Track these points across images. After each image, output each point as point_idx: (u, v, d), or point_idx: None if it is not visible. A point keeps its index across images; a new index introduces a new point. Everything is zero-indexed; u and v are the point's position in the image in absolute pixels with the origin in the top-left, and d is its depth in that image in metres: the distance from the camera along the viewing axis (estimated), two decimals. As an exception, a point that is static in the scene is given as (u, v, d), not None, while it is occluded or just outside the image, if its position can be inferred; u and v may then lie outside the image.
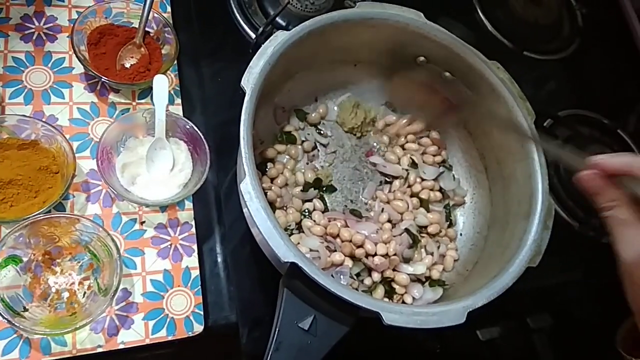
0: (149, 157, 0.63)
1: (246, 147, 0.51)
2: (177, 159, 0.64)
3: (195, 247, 0.63)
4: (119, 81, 0.65)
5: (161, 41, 0.70)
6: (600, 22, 1.06)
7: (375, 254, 0.61)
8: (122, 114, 0.66)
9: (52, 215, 0.55)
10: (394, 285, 0.62)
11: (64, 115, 0.64)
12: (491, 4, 0.98)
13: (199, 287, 0.61)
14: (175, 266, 0.61)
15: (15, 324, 0.50)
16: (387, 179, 0.70)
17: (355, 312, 0.48)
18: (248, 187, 0.49)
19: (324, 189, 0.67)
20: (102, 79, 0.64)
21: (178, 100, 0.70)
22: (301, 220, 0.63)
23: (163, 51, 0.70)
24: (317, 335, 0.47)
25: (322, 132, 0.71)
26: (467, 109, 0.70)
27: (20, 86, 0.64)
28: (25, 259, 0.55)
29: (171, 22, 0.72)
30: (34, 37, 0.67)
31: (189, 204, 0.65)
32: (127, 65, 0.67)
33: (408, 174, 0.69)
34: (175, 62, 0.70)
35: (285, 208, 0.63)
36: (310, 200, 0.65)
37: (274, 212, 0.61)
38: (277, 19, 0.77)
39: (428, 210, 0.68)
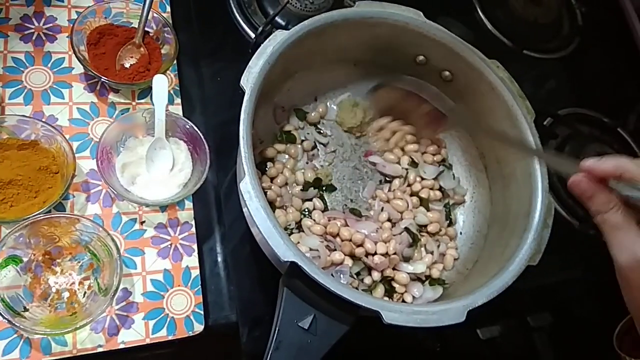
0: (148, 157, 0.63)
1: (245, 147, 0.51)
2: (176, 158, 0.64)
3: (195, 246, 0.63)
4: (118, 81, 0.65)
5: (161, 41, 0.70)
6: (600, 20, 1.06)
7: (375, 253, 0.61)
8: (122, 114, 0.66)
9: (52, 215, 0.55)
10: (394, 284, 0.62)
11: (64, 116, 0.65)
12: (491, 3, 0.98)
13: (199, 286, 0.61)
14: (175, 266, 0.61)
15: (16, 324, 0.50)
16: (387, 178, 0.70)
17: (355, 311, 0.48)
18: (248, 187, 0.49)
19: (324, 188, 0.67)
20: (102, 79, 0.64)
21: (178, 100, 0.70)
22: (301, 219, 0.63)
23: (163, 51, 0.70)
24: (317, 334, 0.47)
25: (321, 131, 0.71)
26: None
27: (20, 86, 0.64)
28: (25, 259, 0.55)
29: (171, 22, 0.72)
30: (34, 38, 0.67)
31: (189, 204, 0.65)
32: (127, 65, 0.67)
33: (408, 173, 0.69)
34: (175, 62, 0.70)
35: (285, 207, 0.63)
36: (310, 200, 0.65)
37: (274, 212, 0.61)
38: (276, 18, 0.77)
39: (428, 209, 0.68)
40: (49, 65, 0.67)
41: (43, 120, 0.61)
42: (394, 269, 0.62)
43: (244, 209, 0.57)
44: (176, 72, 0.71)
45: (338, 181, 0.69)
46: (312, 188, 0.65)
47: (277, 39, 0.58)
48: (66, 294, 0.56)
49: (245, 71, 0.55)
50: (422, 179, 0.69)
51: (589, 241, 0.79)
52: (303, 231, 0.62)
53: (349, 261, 0.60)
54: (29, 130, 0.59)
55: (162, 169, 0.63)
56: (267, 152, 0.65)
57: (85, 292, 0.56)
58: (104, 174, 0.59)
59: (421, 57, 0.69)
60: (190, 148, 0.65)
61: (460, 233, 0.70)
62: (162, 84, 0.62)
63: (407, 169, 0.69)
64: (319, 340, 0.47)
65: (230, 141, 0.53)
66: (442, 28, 0.65)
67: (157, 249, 0.62)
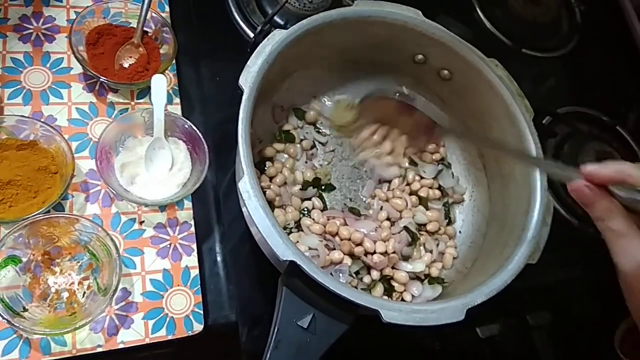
0: (147, 157, 0.63)
1: (244, 146, 0.51)
2: (176, 158, 0.64)
3: (194, 246, 0.63)
4: (117, 81, 0.65)
5: (159, 41, 0.70)
6: (599, 19, 1.06)
7: (374, 252, 0.61)
8: (121, 114, 0.66)
9: (52, 216, 0.55)
10: (393, 283, 0.62)
11: (63, 116, 0.65)
12: (490, 2, 0.98)
13: (199, 286, 0.61)
14: (174, 265, 0.61)
15: (15, 324, 0.50)
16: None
17: (355, 310, 0.48)
18: (246, 186, 0.49)
19: (323, 187, 0.67)
20: (101, 79, 0.64)
21: (177, 100, 0.70)
22: (300, 219, 0.63)
23: (161, 51, 0.70)
24: (316, 333, 0.47)
25: (320, 130, 0.71)
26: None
27: (18, 87, 0.64)
28: (24, 259, 0.55)
29: (169, 21, 0.72)
30: (32, 38, 0.67)
31: (188, 204, 0.65)
32: (126, 65, 0.67)
33: (407, 172, 0.69)
34: (174, 61, 0.70)
35: (284, 207, 0.63)
36: (309, 199, 0.65)
37: (273, 211, 0.61)
38: (275, 17, 0.77)
39: (427, 208, 0.68)
40: (48, 65, 0.67)
41: (42, 120, 0.61)
42: (393, 267, 0.62)
43: (243, 209, 0.57)
44: (175, 72, 0.71)
45: (337, 180, 0.69)
46: (311, 187, 0.65)
47: (276, 38, 0.58)
48: (65, 294, 0.56)
49: (243, 70, 0.55)
50: (421, 177, 0.69)
51: (588, 240, 0.79)
52: (302, 230, 0.62)
53: (348, 260, 0.60)
54: (27, 131, 0.59)
55: (161, 168, 0.63)
56: (266, 151, 0.65)
57: (84, 292, 0.56)
58: (103, 174, 0.59)
59: (420, 56, 0.69)
60: (189, 148, 0.65)
61: (460, 232, 0.70)
62: (160, 84, 0.62)
63: (406, 168, 0.69)
64: (318, 339, 0.47)
65: (229, 141, 0.53)
66: (441, 27, 0.65)
67: (157, 248, 0.62)
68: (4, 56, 0.65)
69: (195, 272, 0.62)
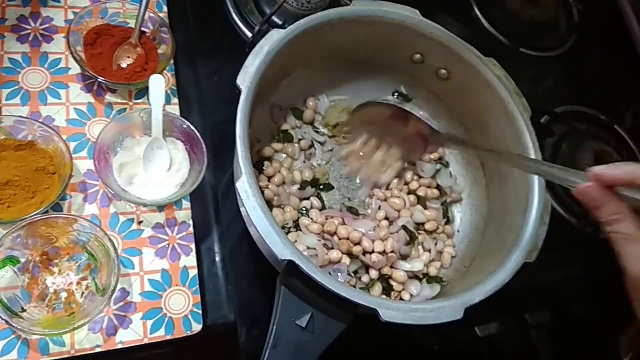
0: (146, 157, 0.63)
1: (242, 146, 0.51)
2: (174, 158, 0.64)
3: (193, 246, 0.63)
4: (115, 81, 0.65)
5: (157, 41, 0.70)
6: (596, 18, 1.06)
7: (373, 251, 0.61)
8: (119, 114, 0.66)
9: (50, 216, 0.55)
10: (392, 282, 0.62)
11: (61, 116, 0.65)
12: (488, 1, 0.98)
13: (197, 286, 0.61)
14: (173, 265, 0.61)
15: (13, 324, 0.50)
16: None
17: (353, 309, 0.48)
18: (244, 186, 0.49)
19: (321, 187, 0.67)
20: (99, 79, 0.64)
21: (175, 100, 0.70)
22: (298, 218, 0.63)
23: (159, 51, 0.70)
24: (315, 332, 0.47)
25: (318, 130, 0.71)
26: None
27: (16, 87, 0.64)
28: (22, 260, 0.55)
29: (167, 21, 0.72)
30: (30, 38, 0.67)
31: (186, 204, 0.65)
32: (124, 65, 0.67)
33: (404, 171, 0.69)
34: (172, 61, 0.70)
35: (282, 206, 0.63)
36: (307, 199, 0.65)
37: (272, 211, 0.61)
38: (273, 17, 0.77)
39: (425, 207, 0.68)
40: (46, 65, 0.67)
41: (40, 120, 0.61)
42: (391, 267, 0.62)
43: (241, 208, 0.57)
44: (173, 72, 0.71)
45: (335, 180, 0.69)
46: (310, 187, 0.65)
47: (273, 37, 0.58)
48: (64, 294, 0.56)
49: (241, 70, 0.55)
50: (419, 177, 0.69)
51: (587, 239, 0.80)
52: (300, 230, 0.62)
53: (346, 259, 0.60)
54: (25, 131, 0.59)
55: (159, 168, 0.63)
56: (264, 151, 0.65)
57: (83, 292, 0.56)
58: (101, 174, 0.59)
59: (418, 56, 0.69)
60: (187, 148, 0.65)
61: (458, 231, 0.70)
62: (158, 84, 0.62)
63: (404, 168, 0.69)
64: (316, 338, 0.47)
65: (227, 141, 0.53)
66: (439, 26, 0.65)
67: (155, 248, 0.62)
68: (2, 56, 0.65)
69: (193, 272, 0.62)
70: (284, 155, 0.67)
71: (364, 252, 0.61)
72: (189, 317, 0.59)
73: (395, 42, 0.68)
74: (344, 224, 0.62)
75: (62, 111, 0.65)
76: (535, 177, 0.59)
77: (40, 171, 0.58)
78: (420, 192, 0.68)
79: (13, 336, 0.54)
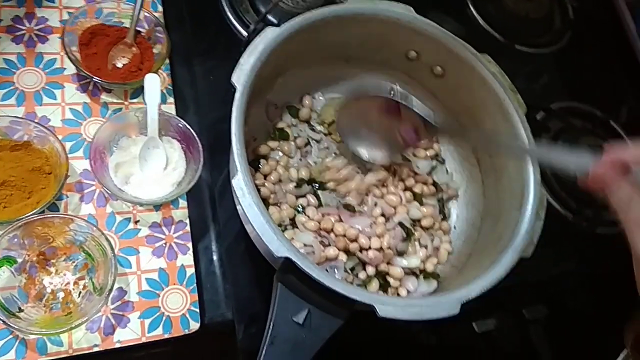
0: (142, 156, 0.63)
1: (238, 143, 0.51)
2: (170, 157, 0.64)
3: (190, 245, 0.63)
4: (110, 81, 0.65)
5: (153, 40, 0.70)
6: (591, 14, 1.07)
7: (370, 248, 0.61)
8: (115, 114, 0.66)
9: (46, 216, 0.55)
10: (389, 279, 0.62)
11: (57, 116, 0.65)
12: (482, -2, 0.98)
13: (195, 285, 0.61)
14: (170, 264, 0.61)
15: (11, 324, 0.50)
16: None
17: (350, 306, 0.48)
18: (240, 183, 0.49)
19: (318, 184, 0.67)
20: (94, 79, 0.64)
21: (171, 99, 0.70)
22: (295, 216, 0.63)
23: (155, 50, 0.70)
24: (312, 328, 0.47)
25: (314, 128, 0.71)
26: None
27: (12, 88, 0.64)
28: (19, 260, 0.55)
29: (163, 21, 0.72)
30: (25, 39, 0.67)
31: (183, 203, 0.65)
32: (119, 65, 0.67)
33: (401, 167, 0.69)
34: (168, 61, 0.70)
35: (279, 204, 0.63)
36: (303, 196, 0.65)
37: (268, 209, 0.61)
38: (268, 16, 0.77)
39: (421, 204, 0.68)
40: (41, 66, 0.67)
41: (35, 121, 0.61)
42: (388, 263, 0.62)
43: (238, 207, 0.57)
44: (169, 72, 0.71)
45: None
46: (306, 184, 0.65)
47: (268, 36, 0.58)
48: (61, 294, 0.56)
49: (236, 68, 0.55)
50: (415, 173, 0.69)
51: (583, 234, 0.80)
52: (297, 227, 0.62)
53: (343, 256, 0.60)
54: (21, 132, 0.59)
55: (155, 168, 0.63)
56: (260, 149, 0.65)
57: (80, 292, 0.56)
58: (98, 174, 0.59)
59: (413, 53, 0.69)
60: (183, 147, 0.65)
61: (454, 227, 0.70)
62: (154, 83, 0.63)
63: (400, 164, 0.69)
64: (313, 335, 0.47)
65: (223, 140, 0.53)
66: (433, 23, 0.65)
67: (152, 247, 0.62)
68: (-3, 57, 0.65)
69: (191, 271, 0.62)
70: (280, 154, 0.67)
71: (361, 249, 0.61)
72: (187, 315, 0.60)
73: (390, 39, 0.68)
74: (340, 221, 0.62)
75: (57, 111, 0.65)
76: (531, 173, 0.59)
77: (36, 171, 0.58)
78: (417, 189, 0.68)
79: (11, 336, 0.54)
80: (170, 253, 0.62)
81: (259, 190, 0.56)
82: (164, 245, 0.62)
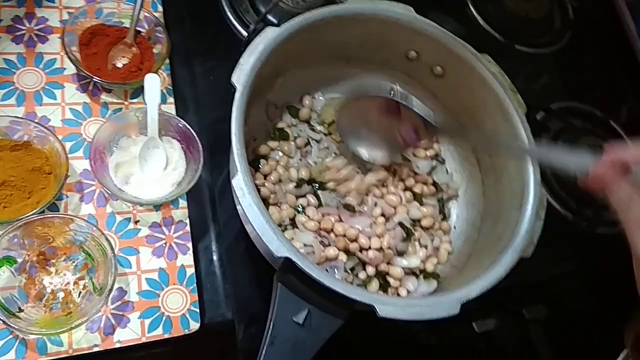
0: (142, 156, 0.63)
1: (238, 143, 0.51)
2: (170, 157, 0.64)
3: (190, 245, 0.63)
4: (110, 81, 0.65)
5: (153, 40, 0.70)
6: (591, 14, 1.07)
7: (370, 248, 0.61)
8: (115, 114, 0.66)
9: (46, 216, 0.55)
10: (389, 279, 0.62)
11: (57, 116, 0.65)
12: (482, -2, 0.98)
13: (195, 285, 0.61)
14: (170, 264, 0.61)
15: (11, 324, 0.50)
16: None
17: (350, 306, 0.48)
18: (240, 183, 0.49)
19: (318, 184, 0.67)
20: (94, 79, 0.64)
21: (171, 100, 0.70)
22: (295, 216, 0.63)
23: (155, 50, 0.70)
24: (312, 328, 0.47)
25: (314, 128, 0.71)
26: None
27: (12, 88, 0.64)
28: (19, 260, 0.55)
29: (163, 21, 0.72)
30: (25, 39, 0.67)
31: (183, 203, 0.65)
32: (119, 65, 0.67)
33: (401, 167, 0.69)
34: (168, 61, 0.70)
35: (279, 204, 0.63)
36: (304, 196, 0.65)
37: (268, 209, 0.61)
38: (268, 16, 0.77)
39: (421, 204, 0.68)
40: (41, 66, 0.67)
41: (35, 121, 0.61)
42: (388, 263, 0.62)
43: (238, 207, 0.57)
44: (169, 72, 0.71)
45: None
46: (306, 184, 0.65)
47: (268, 36, 0.58)
48: (61, 294, 0.56)
49: (235, 68, 0.55)
50: (415, 173, 0.69)
51: (583, 234, 0.80)
52: (297, 227, 0.62)
53: (343, 256, 0.60)
54: (21, 132, 0.59)
55: (155, 168, 0.63)
56: (260, 149, 0.65)
57: (80, 292, 0.56)
58: (98, 174, 0.59)
59: (413, 53, 0.69)
60: (183, 147, 0.65)
61: (454, 227, 0.70)
62: (154, 83, 0.63)
63: (400, 164, 0.69)
64: (313, 335, 0.47)
65: (223, 140, 0.53)
66: (433, 23, 0.65)
67: (152, 248, 0.62)
68: (-3, 57, 0.65)
69: (191, 271, 0.62)
70: (280, 154, 0.67)
71: (361, 249, 0.61)
72: (187, 315, 0.60)
73: (390, 39, 0.68)
74: (340, 221, 0.62)
75: (57, 111, 0.65)
76: (531, 173, 0.59)
77: (36, 171, 0.58)
78: (417, 189, 0.68)
79: (11, 336, 0.54)
80: (170, 253, 0.62)
81: (259, 190, 0.56)
82: (164, 245, 0.62)
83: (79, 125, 0.65)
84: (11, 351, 0.53)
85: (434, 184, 0.70)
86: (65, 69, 0.67)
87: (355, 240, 0.61)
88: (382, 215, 0.64)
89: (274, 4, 0.76)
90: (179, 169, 0.64)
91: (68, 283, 0.57)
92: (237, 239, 0.65)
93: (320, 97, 0.72)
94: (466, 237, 0.68)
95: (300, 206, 0.64)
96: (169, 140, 0.65)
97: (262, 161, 0.65)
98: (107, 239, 0.55)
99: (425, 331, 0.68)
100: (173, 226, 0.63)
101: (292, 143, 0.68)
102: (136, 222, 0.62)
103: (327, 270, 0.59)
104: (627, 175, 0.41)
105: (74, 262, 0.58)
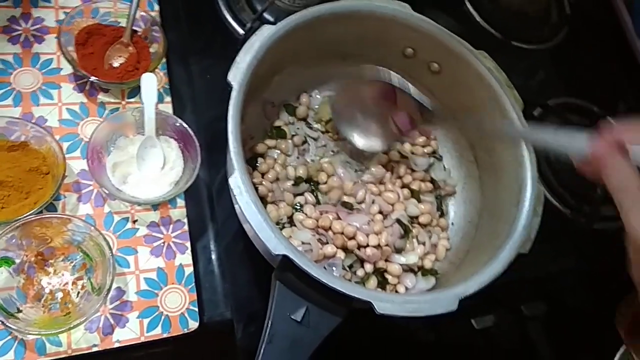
0: (139, 156, 0.63)
1: (234, 142, 0.51)
2: (167, 156, 0.64)
3: (188, 244, 0.63)
4: (107, 80, 0.65)
5: (149, 40, 0.70)
6: (588, 10, 1.06)
7: (367, 245, 0.61)
8: (112, 114, 0.66)
9: (44, 216, 0.55)
10: (387, 276, 0.62)
11: (53, 116, 0.64)
12: (479, -5, 0.98)
13: (193, 284, 0.61)
14: (168, 264, 0.61)
15: (9, 325, 0.50)
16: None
17: (348, 303, 0.48)
18: (237, 182, 0.49)
19: (315, 182, 0.67)
20: (91, 79, 0.64)
21: (168, 99, 0.70)
22: (293, 214, 0.63)
23: (151, 49, 0.69)
24: (310, 326, 0.47)
25: (312, 126, 0.71)
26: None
27: (8, 88, 0.64)
28: (17, 261, 0.55)
29: (159, 20, 0.72)
30: (22, 39, 0.67)
31: (181, 202, 0.65)
32: (116, 64, 0.67)
33: (398, 164, 0.69)
34: (165, 60, 0.70)
35: (276, 203, 0.63)
36: (301, 194, 0.65)
37: (266, 207, 0.61)
38: (264, 14, 0.77)
39: (419, 201, 0.68)
40: (38, 66, 0.66)
41: (32, 121, 0.61)
42: (386, 260, 0.62)
43: (235, 205, 0.57)
44: (166, 71, 0.71)
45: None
46: (304, 183, 0.65)
47: (264, 33, 0.58)
48: (59, 294, 0.56)
49: (232, 67, 0.55)
50: (413, 170, 0.69)
51: (581, 230, 0.80)
52: (295, 225, 0.62)
53: (341, 254, 0.60)
54: (18, 132, 0.59)
55: (153, 167, 0.63)
56: (257, 147, 0.65)
57: (78, 292, 0.56)
58: (95, 174, 0.59)
59: (409, 50, 0.69)
60: (181, 146, 0.65)
61: (452, 224, 0.70)
62: (150, 82, 0.63)
63: (397, 161, 0.69)
64: (312, 332, 0.47)
65: (221, 139, 0.53)
66: (430, 20, 0.65)
67: (150, 247, 0.62)
68: (-7, 58, 0.65)
69: (189, 270, 0.62)
70: (277, 152, 0.67)
71: (359, 246, 0.61)
72: (186, 315, 0.60)
73: (387, 36, 0.68)
74: (338, 218, 0.62)
75: (54, 111, 0.65)
76: (528, 169, 0.59)
77: (33, 172, 0.58)
78: (414, 186, 0.68)
79: (9, 337, 0.54)
80: (169, 252, 0.62)
81: (256, 189, 0.56)
82: (162, 244, 0.62)
83: (76, 125, 0.65)
84: (10, 352, 0.53)
85: (432, 180, 0.70)
86: (61, 69, 0.67)
87: (353, 237, 0.61)
88: (380, 212, 0.64)
89: (270, 2, 0.76)
90: (177, 168, 0.64)
91: (66, 283, 0.57)
92: (236, 237, 0.65)
93: (317, 95, 0.72)
94: (464, 233, 0.68)
95: (298, 204, 0.64)
96: (166, 139, 0.65)
97: (260, 159, 0.65)
98: (105, 239, 0.55)
99: (423, 328, 0.68)
100: (171, 225, 0.63)
101: (290, 141, 0.68)
102: (134, 221, 0.62)
103: (325, 267, 0.59)
104: (625, 155, 0.41)
105: (72, 262, 0.58)
